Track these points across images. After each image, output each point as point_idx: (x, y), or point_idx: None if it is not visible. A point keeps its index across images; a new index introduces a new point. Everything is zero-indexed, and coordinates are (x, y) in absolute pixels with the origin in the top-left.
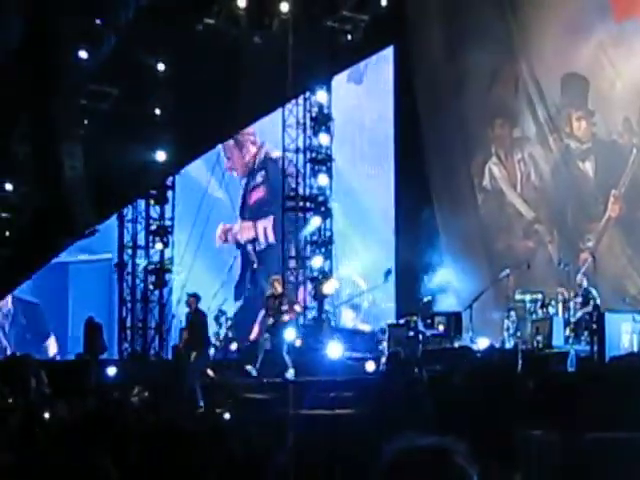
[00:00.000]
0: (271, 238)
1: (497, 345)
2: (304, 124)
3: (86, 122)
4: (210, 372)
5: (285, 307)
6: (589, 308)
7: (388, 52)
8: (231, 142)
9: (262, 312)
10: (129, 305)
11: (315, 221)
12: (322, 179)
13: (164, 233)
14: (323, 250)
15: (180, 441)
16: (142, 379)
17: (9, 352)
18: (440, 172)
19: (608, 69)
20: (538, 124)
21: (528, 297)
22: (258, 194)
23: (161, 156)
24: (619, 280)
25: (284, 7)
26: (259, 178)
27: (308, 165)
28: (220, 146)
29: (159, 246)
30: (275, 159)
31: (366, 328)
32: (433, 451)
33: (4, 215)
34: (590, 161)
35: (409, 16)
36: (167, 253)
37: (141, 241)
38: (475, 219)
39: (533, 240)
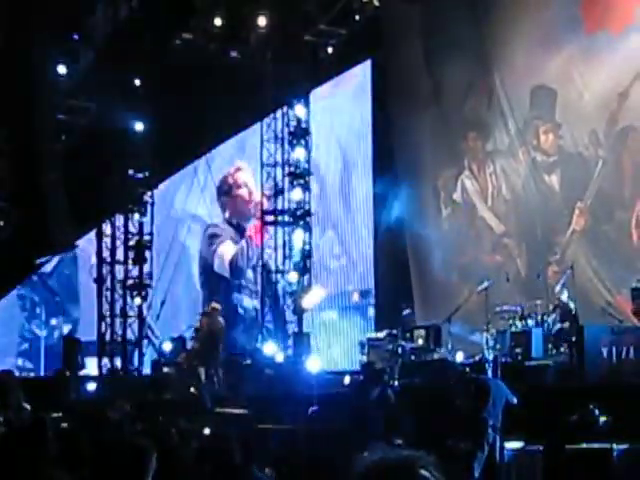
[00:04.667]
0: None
1: (477, 358)
2: (282, 138)
3: (64, 137)
4: (191, 388)
5: None
6: (568, 321)
7: (366, 65)
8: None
9: None
10: (108, 320)
11: (298, 235)
12: (299, 193)
13: (143, 248)
14: (301, 265)
15: (164, 457)
16: (122, 394)
17: None
18: (409, 185)
19: (577, 81)
20: (510, 137)
21: (507, 310)
22: None
23: (139, 170)
24: (585, 292)
25: (261, 21)
26: None
27: (287, 179)
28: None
29: (130, 262)
30: None
31: None
32: (401, 464)
33: None
34: (556, 174)
35: (386, 30)
36: (146, 268)
37: (119, 256)
38: (438, 232)
39: (501, 254)
